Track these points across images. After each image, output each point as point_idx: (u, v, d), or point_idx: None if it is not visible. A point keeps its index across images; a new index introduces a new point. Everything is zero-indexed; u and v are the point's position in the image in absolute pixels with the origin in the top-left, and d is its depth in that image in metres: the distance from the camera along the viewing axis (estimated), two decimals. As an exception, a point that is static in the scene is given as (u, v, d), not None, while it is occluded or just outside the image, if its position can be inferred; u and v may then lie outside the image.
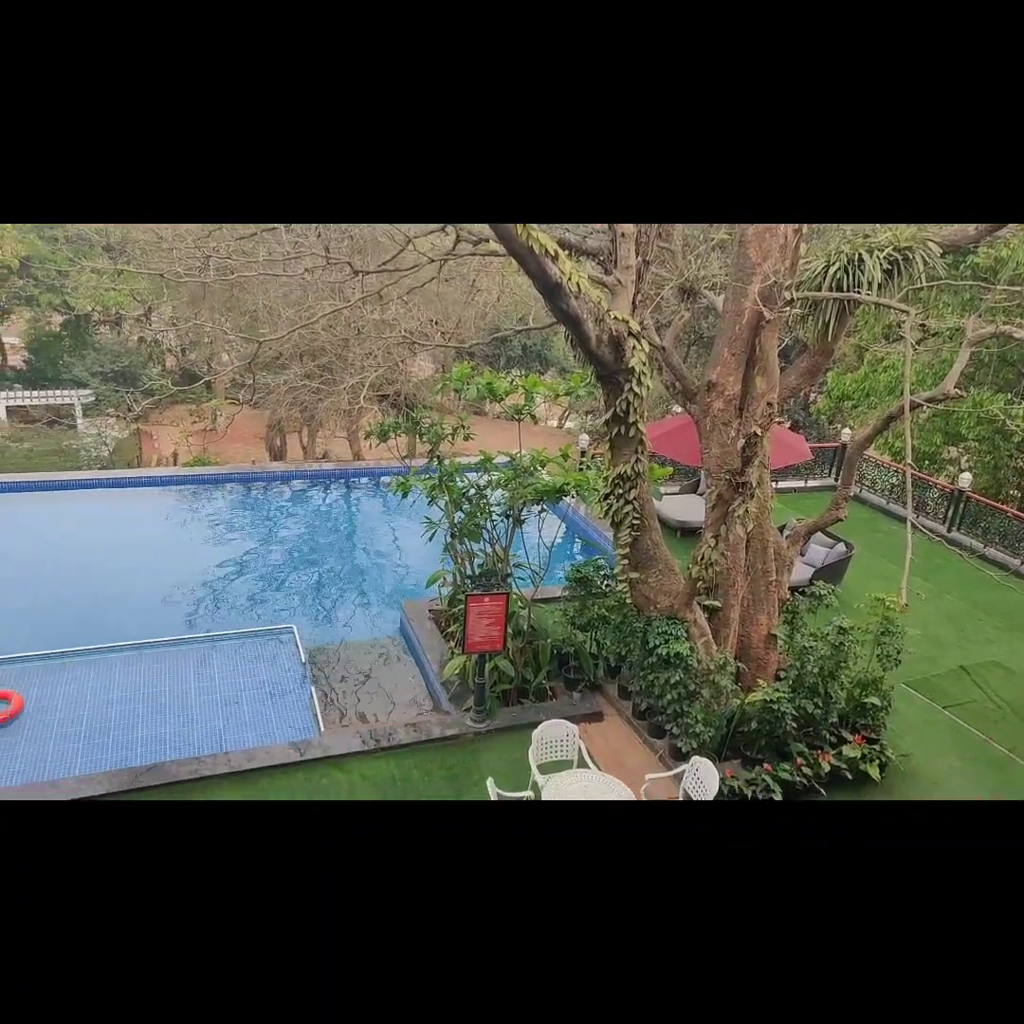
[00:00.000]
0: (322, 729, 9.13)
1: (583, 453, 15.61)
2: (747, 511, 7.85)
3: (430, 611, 11.21)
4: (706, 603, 8.89)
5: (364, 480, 18.39)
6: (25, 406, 27.06)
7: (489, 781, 7.49)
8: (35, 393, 27.32)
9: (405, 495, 9.83)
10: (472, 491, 9.69)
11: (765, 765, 8.01)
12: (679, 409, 14.31)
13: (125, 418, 22.62)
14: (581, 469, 9.53)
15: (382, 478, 18.11)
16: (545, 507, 9.51)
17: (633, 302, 8.49)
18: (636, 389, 7.83)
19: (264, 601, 12.79)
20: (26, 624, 11.21)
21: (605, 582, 9.67)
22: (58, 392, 27.16)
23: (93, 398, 26.85)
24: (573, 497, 9.37)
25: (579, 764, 7.97)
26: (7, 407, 26.51)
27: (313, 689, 9.87)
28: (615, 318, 7.59)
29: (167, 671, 10.16)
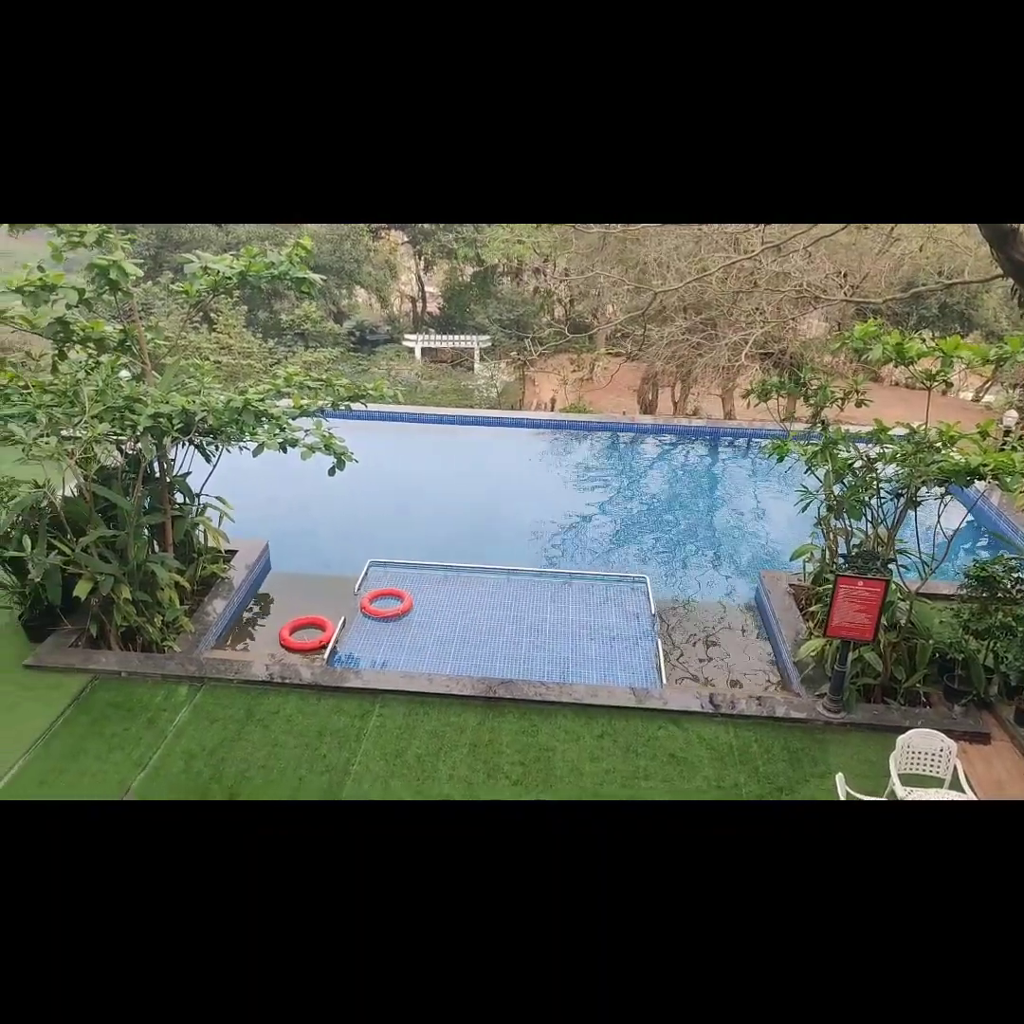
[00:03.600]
0: (663, 682, 9.14)
1: (1007, 432, 13.28)
2: None
3: (790, 585, 10.53)
4: None
5: (733, 440, 17.83)
6: (436, 348, 30.95)
7: (839, 777, 6.87)
8: (444, 337, 31.09)
9: (780, 460, 9.22)
10: (859, 463, 8.75)
11: None
12: None
13: (519, 361, 24.59)
14: (1002, 450, 8.03)
15: (754, 440, 17.39)
16: (949, 490, 8.23)
17: (1117, 248, 6.81)
18: (1104, 357, 6.31)
19: (618, 548, 13.14)
20: (421, 537, 12.88)
21: (1017, 587, 8.15)
22: (462, 337, 30.58)
23: (490, 343, 29.75)
24: (988, 482, 7.97)
25: (951, 785, 6.93)
26: (422, 348, 30.50)
27: (658, 641, 9.91)
28: (1088, 267, 6.15)
29: (528, 598, 10.96)
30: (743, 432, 17.81)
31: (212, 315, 21.47)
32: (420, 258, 33.34)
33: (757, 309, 13.73)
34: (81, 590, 8.48)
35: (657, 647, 9.78)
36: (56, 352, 8.82)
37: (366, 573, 11.31)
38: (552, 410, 23.36)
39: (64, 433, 8.16)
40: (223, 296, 10.36)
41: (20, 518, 8.55)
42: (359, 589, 10.93)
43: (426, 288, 35.51)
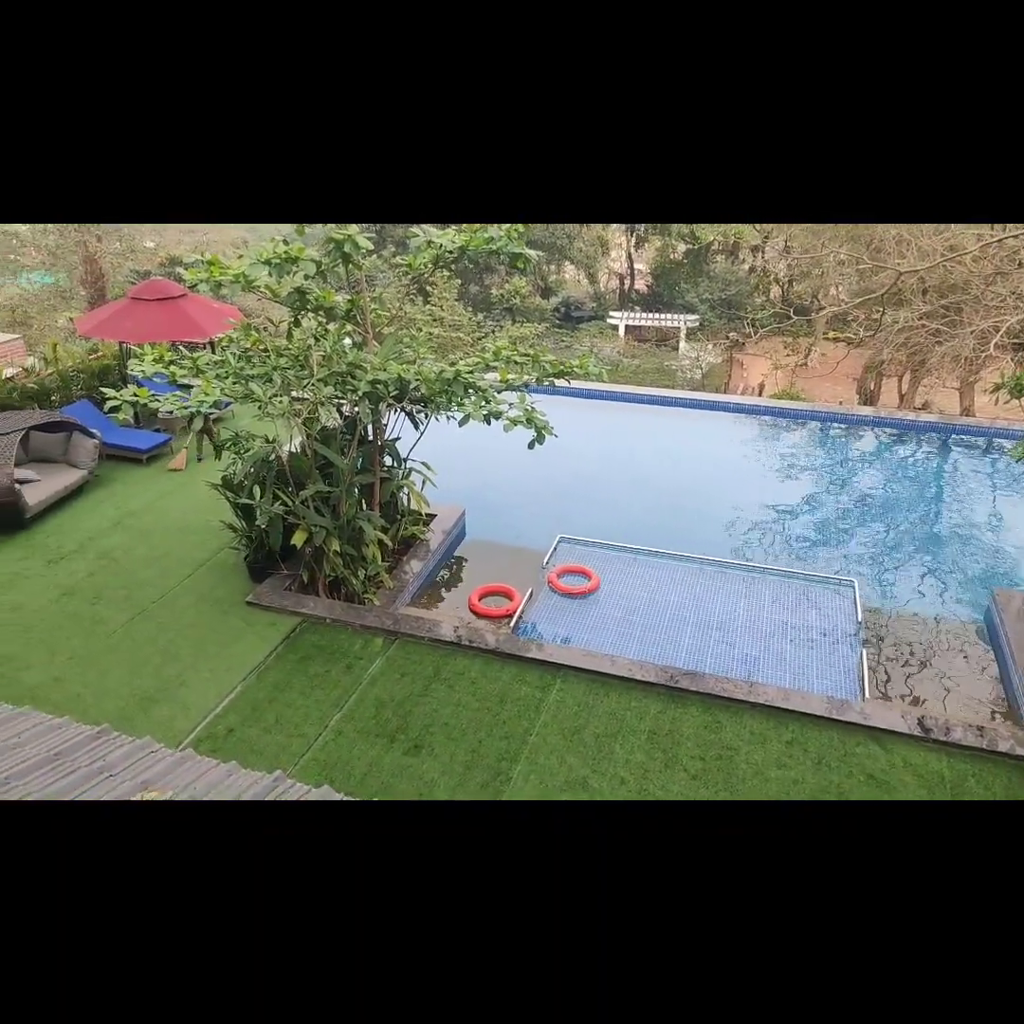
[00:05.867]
0: (865, 695, 8.43)
1: None
2: None
3: (1031, 607, 9.32)
4: None
5: (970, 439, 15.98)
6: (640, 326, 30.46)
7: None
8: (650, 315, 30.50)
9: (1031, 463, 8.12)
10: None
11: None
12: None
13: (731, 343, 23.61)
14: None
15: (995, 440, 15.50)
16: None
17: None
18: None
19: (823, 547, 12.26)
20: (612, 516, 12.74)
21: None
22: (669, 315, 29.83)
23: (698, 323, 28.79)
24: None
25: None
26: (626, 326, 30.13)
27: (863, 651, 9.14)
28: None
29: (720, 590, 10.51)
30: (983, 431, 15.86)
31: (428, 288, 22.41)
32: (632, 235, 32.84)
33: (1014, 292, 12.06)
34: (297, 539, 9.21)
35: (861, 657, 9.03)
36: (292, 319, 9.55)
37: (556, 548, 11.38)
38: (760, 395, 22.23)
39: (294, 394, 8.85)
40: (441, 269, 10.71)
41: (253, 469, 9.42)
42: (547, 563, 11.02)
43: (636, 265, 34.97)
